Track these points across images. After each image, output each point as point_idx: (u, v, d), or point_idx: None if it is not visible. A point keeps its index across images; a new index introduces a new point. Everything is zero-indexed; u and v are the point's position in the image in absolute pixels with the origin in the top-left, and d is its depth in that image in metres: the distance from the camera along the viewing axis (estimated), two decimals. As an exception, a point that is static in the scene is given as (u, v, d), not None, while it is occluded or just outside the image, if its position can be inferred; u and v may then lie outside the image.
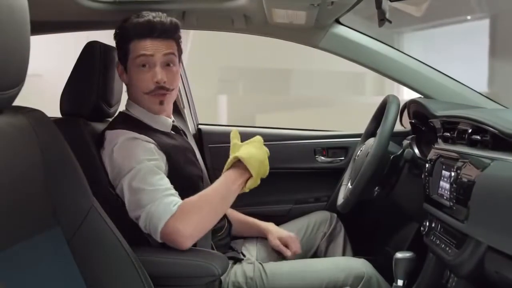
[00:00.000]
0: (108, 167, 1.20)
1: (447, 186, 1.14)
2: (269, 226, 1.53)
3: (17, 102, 0.81)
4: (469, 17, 4.36)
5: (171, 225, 1.09)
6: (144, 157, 1.17)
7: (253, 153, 1.16)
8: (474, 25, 4.35)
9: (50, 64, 2.59)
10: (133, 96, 1.32)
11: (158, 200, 1.11)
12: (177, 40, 1.31)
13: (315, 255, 1.58)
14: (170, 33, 1.27)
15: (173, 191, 1.15)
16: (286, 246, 1.46)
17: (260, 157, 1.17)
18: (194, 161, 1.36)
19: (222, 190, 1.16)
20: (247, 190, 1.18)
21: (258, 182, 1.18)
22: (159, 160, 1.20)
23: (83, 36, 1.35)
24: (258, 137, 1.23)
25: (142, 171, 1.14)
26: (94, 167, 1.18)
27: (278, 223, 1.62)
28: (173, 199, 1.12)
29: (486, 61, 4.18)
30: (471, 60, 4.02)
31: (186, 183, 1.25)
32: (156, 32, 1.24)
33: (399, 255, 1.21)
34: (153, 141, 1.23)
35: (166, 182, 1.16)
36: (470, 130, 1.14)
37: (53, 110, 1.31)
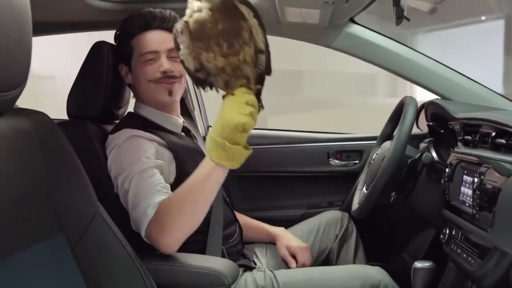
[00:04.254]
0: (110, 168, 1.18)
1: (469, 192, 1.09)
2: (279, 232, 1.48)
3: (29, 104, 0.79)
4: (483, 18, 4.30)
5: (149, 233, 1.06)
6: (142, 155, 1.14)
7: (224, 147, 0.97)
8: (489, 25, 4.29)
9: (63, 66, 2.59)
10: (140, 93, 1.30)
11: (140, 205, 1.08)
12: None
13: (327, 258, 1.54)
14: (170, 24, 1.26)
15: (158, 188, 1.09)
16: (295, 256, 1.41)
17: (237, 151, 0.98)
18: None
19: (199, 185, 1.02)
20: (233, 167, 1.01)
21: (238, 162, 1.00)
22: (160, 159, 1.18)
23: (97, 37, 1.33)
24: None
25: (133, 171, 1.12)
26: (100, 172, 1.15)
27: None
28: (151, 202, 1.07)
29: (501, 62, 4.11)
30: (486, 60, 3.95)
31: None
32: (156, 21, 1.25)
33: (418, 264, 1.16)
34: (158, 139, 1.21)
35: (154, 180, 1.11)
36: (493, 133, 1.09)
37: (65, 112, 1.31)
